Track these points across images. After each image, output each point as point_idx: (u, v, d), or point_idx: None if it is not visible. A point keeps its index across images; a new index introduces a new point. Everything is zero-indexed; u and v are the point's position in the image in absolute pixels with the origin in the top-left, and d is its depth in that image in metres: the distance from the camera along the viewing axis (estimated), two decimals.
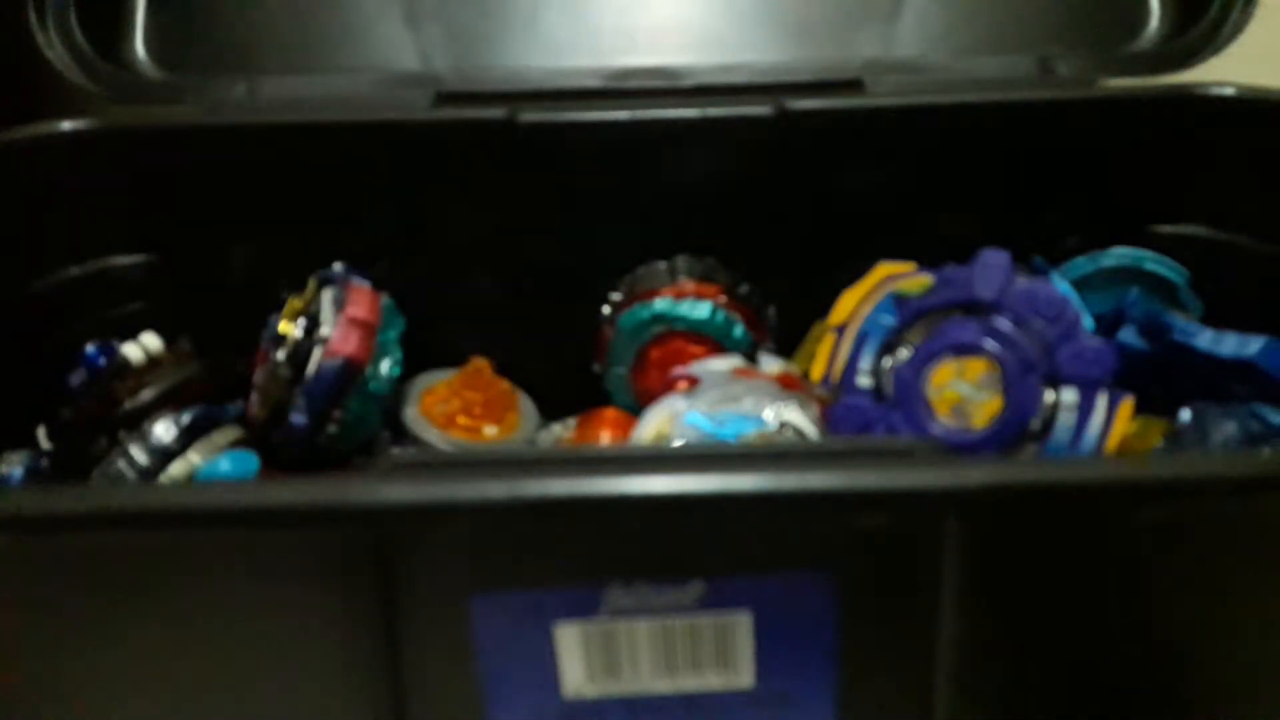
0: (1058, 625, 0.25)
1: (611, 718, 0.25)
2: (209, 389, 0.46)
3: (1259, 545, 0.24)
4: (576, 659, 0.24)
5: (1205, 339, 0.40)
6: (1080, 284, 0.47)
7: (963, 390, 0.37)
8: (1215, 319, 0.45)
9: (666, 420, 0.40)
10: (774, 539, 0.23)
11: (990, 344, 0.37)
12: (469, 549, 0.23)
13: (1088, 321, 0.39)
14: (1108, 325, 0.45)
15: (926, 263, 0.42)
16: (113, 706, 0.26)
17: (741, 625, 0.24)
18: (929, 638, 0.24)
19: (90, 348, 0.44)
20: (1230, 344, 0.40)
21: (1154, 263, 0.47)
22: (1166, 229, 0.48)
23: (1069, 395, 0.37)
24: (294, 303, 0.46)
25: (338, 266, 0.46)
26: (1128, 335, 0.43)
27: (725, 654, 0.24)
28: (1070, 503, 0.22)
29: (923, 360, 0.38)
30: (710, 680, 0.24)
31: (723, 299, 0.48)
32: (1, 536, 0.23)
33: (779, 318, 0.50)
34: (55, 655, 0.25)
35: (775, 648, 0.24)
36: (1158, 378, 0.43)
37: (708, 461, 0.22)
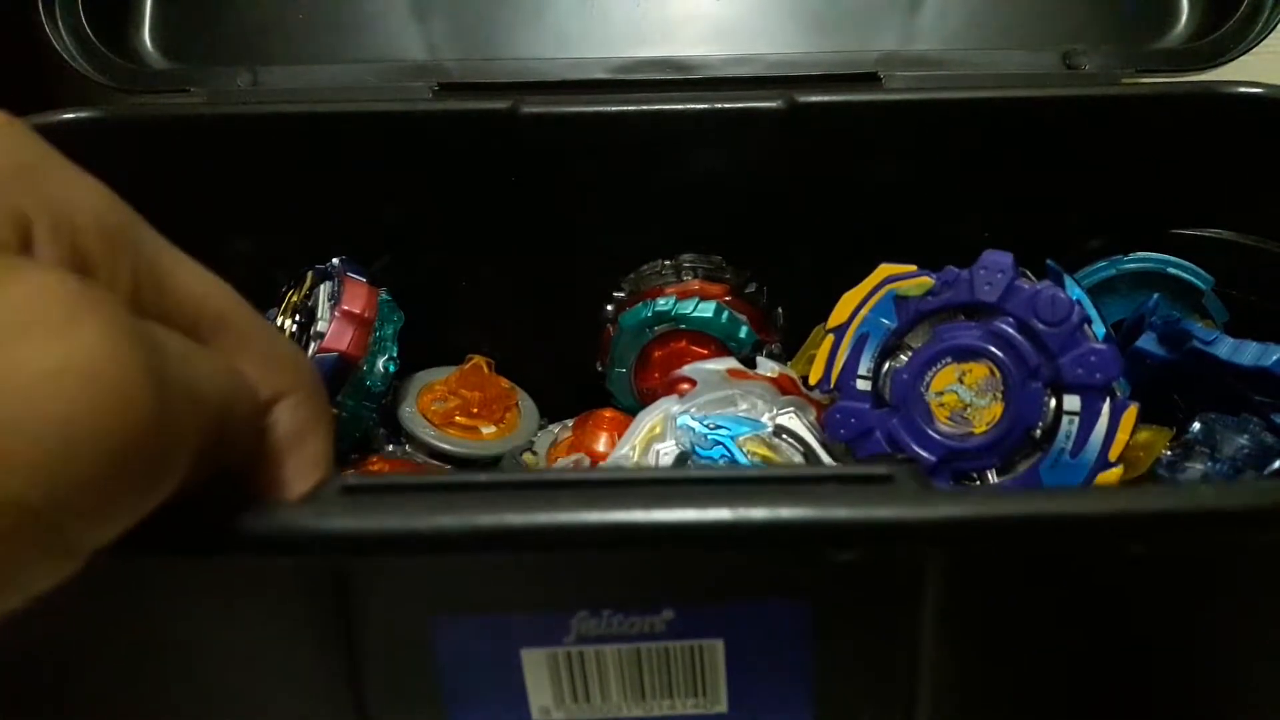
0: (1041, 659, 0.23)
1: None
2: None
3: (1253, 580, 0.22)
4: (544, 684, 0.23)
5: (1225, 348, 0.39)
6: (1102, 288, 0.46)
7: (963, 395, 0.36)
8: (1241, 326, 0.43)
9: (659, 422, 0.39)
10: (746, 567, 0.22)
11: (991, 348, 0.36)
12: (426, 574, 0.22)
13: (1098, 328, 0.37)
14: (1128, 331, 0.44)
15: (944, 263, 0.40)
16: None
17: (714, 652, 0.23)
18: (908, 669, 0.23)
19: None
20: (1250, 353, 0.38)
21: (1177, 268, 0.45)
22: (1192, 233, 0.47)
23: (1071, 402, 0.35)
24: (291, 297, 0.45)
25: (335, 261, 0.45)
26: (1147, 342, 0.42)
27: (698, 680, 0.23)
28: (1053, 536, 0.21)
29: (922, 364, 0.36)
30: (684, 706, 0.24)
31: (728, 298, 0.47)
32: None
33: (789, 318, 0.49)
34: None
35: (750, 674, 0.23)
36: (1177, 386, 0.42)
37: (673, 490, 0.21)
